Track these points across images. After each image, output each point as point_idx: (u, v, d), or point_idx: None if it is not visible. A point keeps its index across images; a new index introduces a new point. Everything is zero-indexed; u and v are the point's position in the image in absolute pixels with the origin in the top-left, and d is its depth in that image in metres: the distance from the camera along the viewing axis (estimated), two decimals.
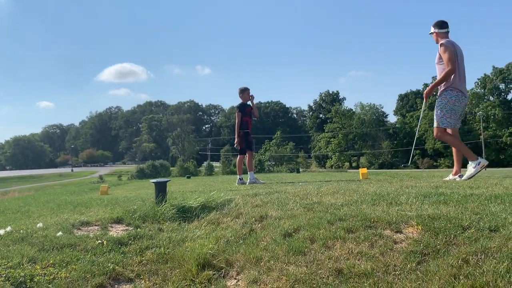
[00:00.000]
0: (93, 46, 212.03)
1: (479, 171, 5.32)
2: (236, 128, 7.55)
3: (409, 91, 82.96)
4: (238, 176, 7.82)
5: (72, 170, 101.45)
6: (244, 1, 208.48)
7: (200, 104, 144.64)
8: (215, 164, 71.27)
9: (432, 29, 5.65)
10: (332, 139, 76.58)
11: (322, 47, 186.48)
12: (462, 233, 2.48)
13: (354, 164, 74.27)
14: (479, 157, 5.35)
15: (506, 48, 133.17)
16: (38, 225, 3.83)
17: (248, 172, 7.75)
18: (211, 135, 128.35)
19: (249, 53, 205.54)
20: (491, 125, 64.49)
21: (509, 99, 68.36)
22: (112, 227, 3.99)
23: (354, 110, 78.23)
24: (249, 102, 7.74)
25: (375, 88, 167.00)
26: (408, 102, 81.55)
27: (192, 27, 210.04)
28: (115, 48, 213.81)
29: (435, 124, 5.50)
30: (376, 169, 61.64)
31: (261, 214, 3.68)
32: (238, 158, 7.91)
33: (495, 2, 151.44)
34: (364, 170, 7.29)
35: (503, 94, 68.72)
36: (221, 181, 10.61)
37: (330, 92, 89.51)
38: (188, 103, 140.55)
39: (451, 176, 5.65)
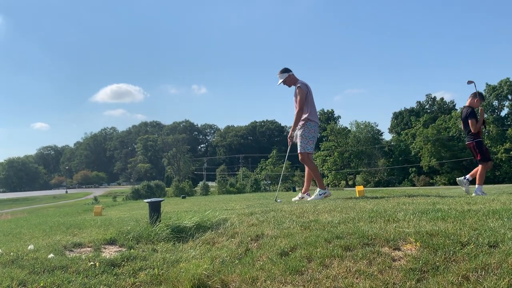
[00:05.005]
0: (88, 66, 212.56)
1: (321, 198, 6.07)
2: (471, 125, 6.56)
3: (403, 109, 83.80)
4: (477, 185, 6.60)
5: (66, 192, 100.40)
6: (240, 21, 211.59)
7: (195, 124, 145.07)
8: (210, 184, 70.90)
9: (284, 76, 6.27)
10: (328, 158, 76.68)
11: (318, 66, 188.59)
12: (461, 249, 2.45)
13: (350, 182, 74.16)
14: (327, 188, 6.19)
15: (499, 65, 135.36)
16: (29, 247, 3.75)
17: (477, 184, 6.62)
18: (207, 154, 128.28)
19: (245, 72, 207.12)
20: (485, 142, 64.89)
21: (503, 115, 69.06)
22: (105, 248, 3.92)
23: (349, 128, 78.59)
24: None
25: (370, 106, 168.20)
26: (403, 120, 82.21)
27: (188, 47, 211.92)
28: (111, 68, 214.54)
29: (300, 150, 6.20)
30: (372, 187, 61.59)
31: (257, 233, 3.62)
32: (480, 168, 6.71)
33: (486, 20, 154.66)
34: (361, 188, 7.25)
35: (496, 111, 69.47)
36: (217, 201, 10.52)
37: (325, 111, 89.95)
38: (184, 123, 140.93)
39: (300, 195, 6.48)
